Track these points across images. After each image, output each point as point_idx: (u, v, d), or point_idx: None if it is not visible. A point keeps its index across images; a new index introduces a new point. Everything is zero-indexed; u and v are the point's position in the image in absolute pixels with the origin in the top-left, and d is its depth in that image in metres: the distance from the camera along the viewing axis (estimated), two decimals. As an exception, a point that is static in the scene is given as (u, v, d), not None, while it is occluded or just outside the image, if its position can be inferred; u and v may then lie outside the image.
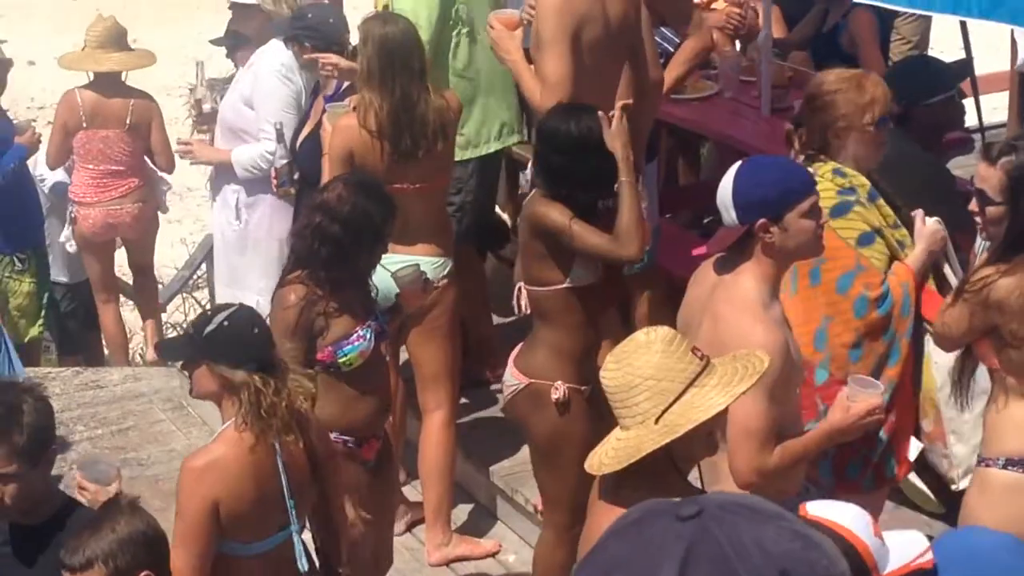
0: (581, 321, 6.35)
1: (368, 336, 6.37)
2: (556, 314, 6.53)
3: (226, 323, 5.77)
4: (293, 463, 5.70)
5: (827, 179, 6.02)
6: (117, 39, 10.36)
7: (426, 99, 7.26)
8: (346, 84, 7.49)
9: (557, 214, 6.39)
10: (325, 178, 7.33)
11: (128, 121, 10.17)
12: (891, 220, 5.99)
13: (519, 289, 6.80)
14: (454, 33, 8.25)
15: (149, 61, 10.76)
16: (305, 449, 5.79)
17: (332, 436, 6.24)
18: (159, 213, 11.18)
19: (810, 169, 5.94)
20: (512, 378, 6.65)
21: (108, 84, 10.23)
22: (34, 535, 5.31)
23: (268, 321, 6.26)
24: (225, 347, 5.69)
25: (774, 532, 1.78)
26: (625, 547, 1.80)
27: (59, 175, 10.82)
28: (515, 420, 6.89)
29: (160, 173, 10.99)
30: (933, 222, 5.72)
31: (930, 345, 5.99)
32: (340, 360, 6.33)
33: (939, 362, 5.93)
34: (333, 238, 6.27)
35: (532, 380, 6.52)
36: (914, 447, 6.34)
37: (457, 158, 7.98)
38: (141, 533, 4.87)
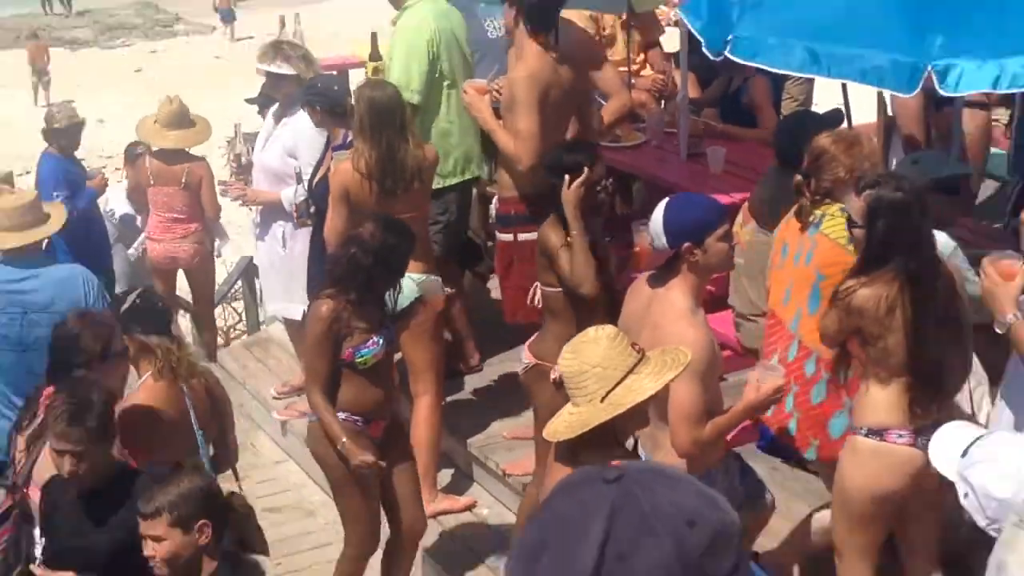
0: (577, 318, 6.28)
1: (380, 343, 6.44)
2: (559, 310, 6.61)
3: (138, 301, 6.37)
4: (198, 402, 6.17)
5: (837, 216, 6.03)
6: (180, 119, 10.54)
7: (406, 149, 7.30)
8: (350, 137, 7.45)
9: (555, 238, 6.51)
10: (330, 209, 7.44)
11: (183, 180, 10.37)
12: None
13: (535, 287, 6.92)
14: (439, 88, 8.27)
15: (203, 138, 10.92)
16: (206, 392, 6.33)
17: (343, 416, 6.40)
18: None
19: (819, 211, 6.12)
20: (525, 358, 6.79)
21: (171, 153, 10.45)
22: (100, 499, 5.29)
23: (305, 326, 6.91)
24: (140, 319, 6.21)
25: (682, 492, 1.79)
26: (562, 507, 1.79)
27: (126, 208, 10.91)
28: (525, 390, 6.97)
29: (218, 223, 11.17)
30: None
31: None
32: (357, 360, 6.40)
33: None
34: (364, 267, 6.37)
35: (538, 361, 6.58)
36: None
37: (440, 186, 8.06)
38: (200, 489, 4.85)
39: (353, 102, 7.62)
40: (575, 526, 1.71)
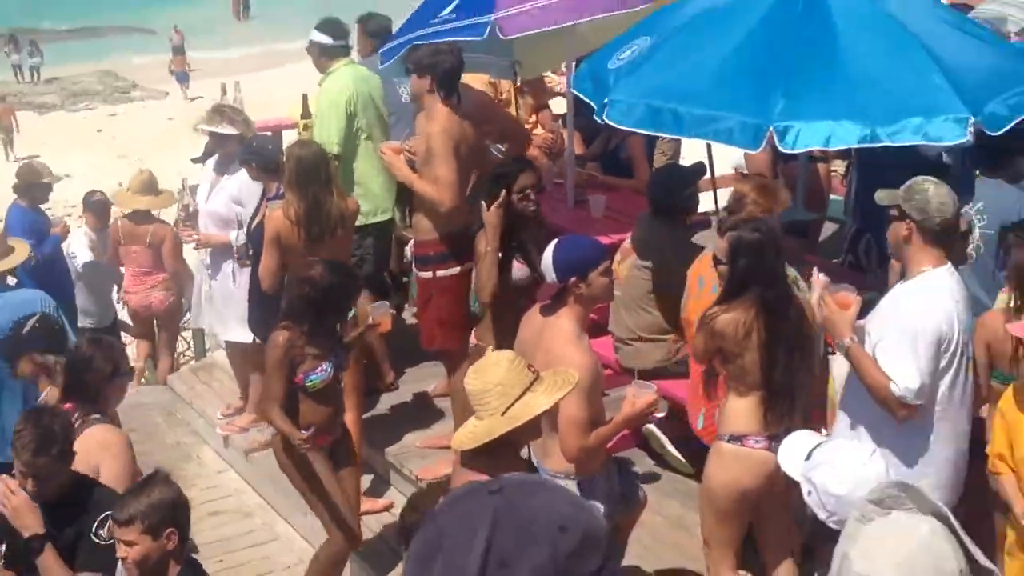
0: (506, 309, 6.55)
1: (329, 369, 6.42)
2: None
3: (37, 325, 6.52)
4: None
5: None
6: (148, 187, 10.59)
7: (331, 200, 7.30)
8: (282, 189, 7.41)
9: (480, 246, 6.75)
10: (264, 251, 7.42)
11: (148, 240, 10.45)
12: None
13: None
14: (357, 140, 8.32)
15: (167, 204, 11.03)
16: None
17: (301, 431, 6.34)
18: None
19: None
20: (471, 340, 7.04)
21: (139, 215, 10.54)
22: (57, 509, 5.16)
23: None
24: (39, 341, 6.40)
25: (556, 500, 1.80)
26: (450, 518, 1.79)
27: (88, 255, 10.77)
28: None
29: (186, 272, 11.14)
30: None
31: (833, 363, 5.93)
32: (307, 384, 6.38)
33: (835, 375, 5.89)
34: (315, 303, 6.38)
35: (478, 343, 6.82)
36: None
37: (360, 224, 8.01)
38: (170, 499, 4.76)
39: (284, 159, 7.61)
40: (463, 534, 1.70)
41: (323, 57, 8.55)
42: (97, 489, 5.29)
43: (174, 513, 4.74)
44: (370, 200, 8.28)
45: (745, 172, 8.57)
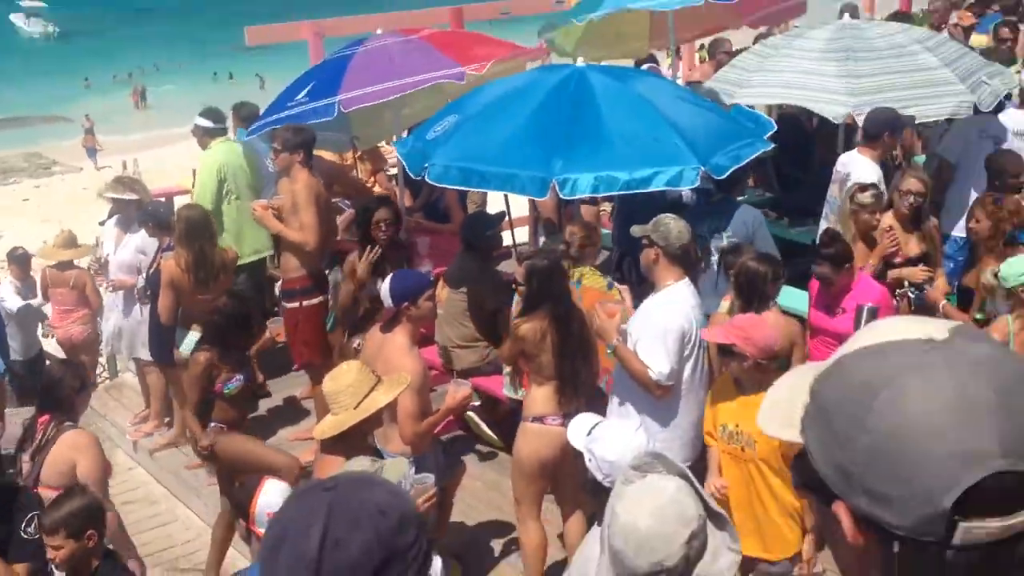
0: None
1: (241, 379, 6.29)
2: None
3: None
4: None
5: (591, 274, 6.41)
6: (69, 242, 10.08)
7: (214, 251, 7.28)
8: (174, 243, 7.27)
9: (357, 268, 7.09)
10: (160, 293, 7.31)
11: (71, 283, 9.92)
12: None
13: None
14: (228, 200, 8.25)
15: (84, 254, 10.50)
16: None
17: (215, 424, 6.24)
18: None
19: (576, 272, 6.37)
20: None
21: (63, 264, 10.00)
22: None
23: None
24: None
25: (378, 491, 1.75)
26: (293, 512, 1.74)
27: (18, 301, 10.21)
28: None
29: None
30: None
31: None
32: (225, 392, 6.24)
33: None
34: (222, 328, 6.34)
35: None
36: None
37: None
38: (87, 506, 4.56)
39: (175, 219, 7.53)
40: (303, 523, 1.66)
41: (204, 136, 8.53)
42: (22, 494, 5.10)
43: (91, 517, 4.55)
44: (241, 245, 8.15)
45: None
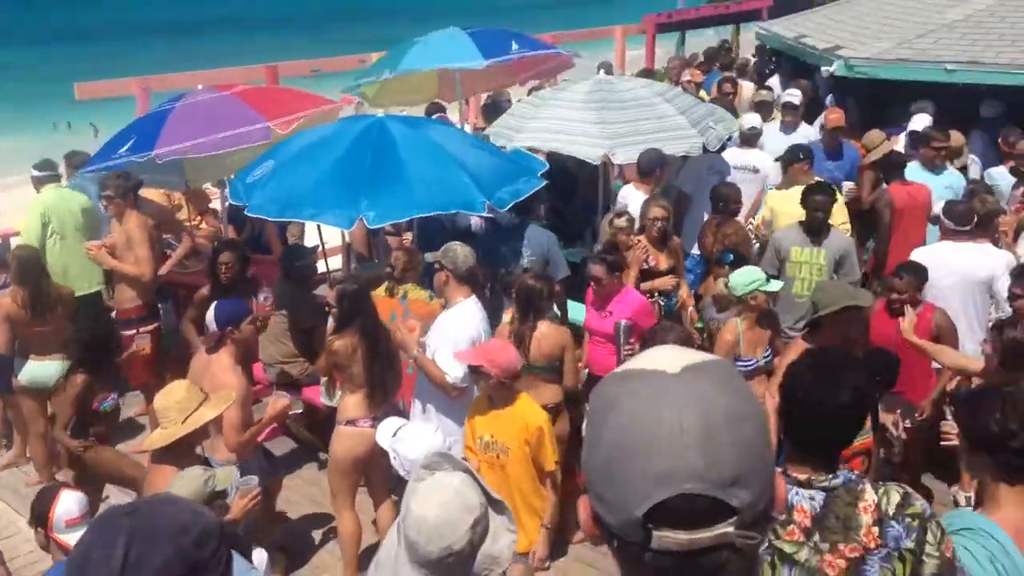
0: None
1: (115, 397, 6.07)
2: None
3: None
4: None
5: (415, 289, 6.26)
6: None
7: (49, 286, 6.85)
8: (10, 280, 6.79)
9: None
10: None
11: None
12: None
13: None
14: (49, 238, 7.72)
15: None
16: None
17: (92, 439, 5.93)
18: None
19: (401, 289, 6.28)
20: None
21: None
22: None
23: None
24: None
25: (179, 510, 1.65)
26: (95, 536, 1.60)
27: None
28: None
29: None
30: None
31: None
32: (102, 409, 5.95)
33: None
34: (92, 351, 6.01)
35: None
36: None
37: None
38: None
39: (10, 259, 7.02)
40: (107, 545, 1.55)
41: (38, 184, 8.01)
42: None
43: None
44: (67, 282, 7.58)
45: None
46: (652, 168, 7.55)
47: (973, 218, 6.41)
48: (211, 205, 9.33)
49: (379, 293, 6.29)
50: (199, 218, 9.05)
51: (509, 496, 4.75)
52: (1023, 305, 5.27)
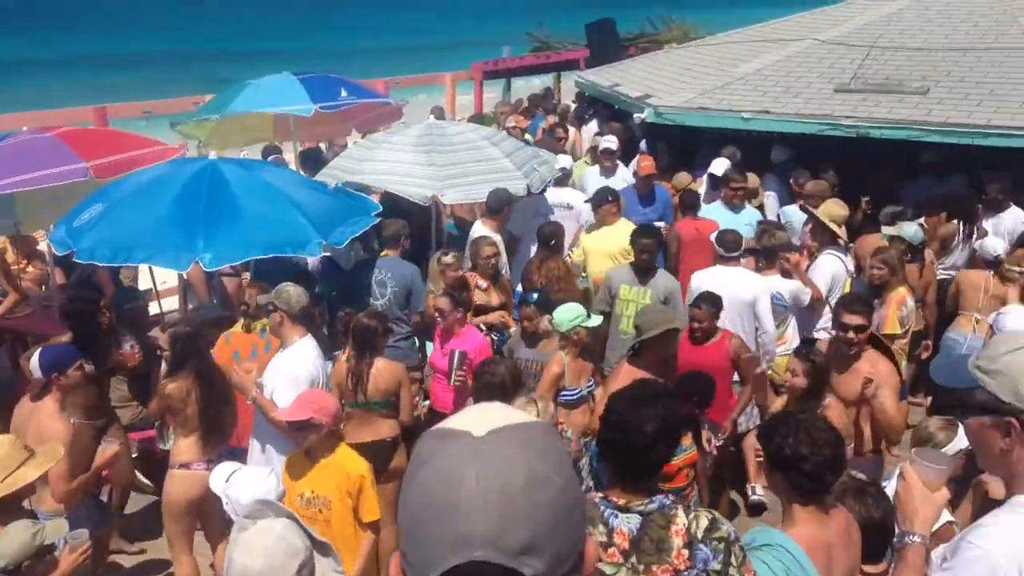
0: None
1: None
2: None
3: None
4: None
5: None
6: None
7: None
8: None
9: None
10: None
11: None
12: None
13: None
14: None
15: None
16: None
17: None
18: None
19: (257, 324, 6.01)
20: None
21: None
22: None
23: None
24: None
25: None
26: None
27: None
28: None
29: None
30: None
31: None
32: None
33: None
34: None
35: None
36: None
37: None
38: None
39: None
40: None
41: None
42: None
43: None
44: None
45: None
46: (500, 206, 7.68)
47: (741, 246, 6.90)
48: (39, 247, 8.73)
49: (236, 331, 6.09)
50: (25, 262, 8.46)
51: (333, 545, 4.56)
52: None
